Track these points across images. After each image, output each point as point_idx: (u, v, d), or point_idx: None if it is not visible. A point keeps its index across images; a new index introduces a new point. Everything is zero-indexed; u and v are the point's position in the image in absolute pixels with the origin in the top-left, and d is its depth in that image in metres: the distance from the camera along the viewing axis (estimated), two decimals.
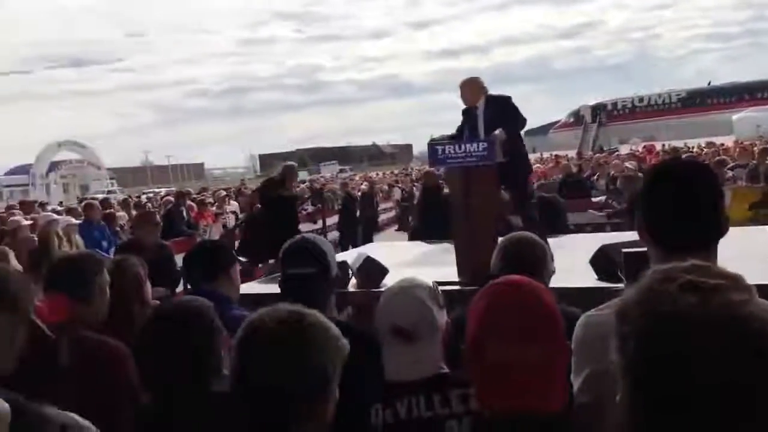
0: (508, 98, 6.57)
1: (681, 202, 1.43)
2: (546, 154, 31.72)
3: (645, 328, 0.87)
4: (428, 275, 6.42)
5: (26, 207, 11.95)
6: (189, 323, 1.80)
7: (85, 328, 2.22)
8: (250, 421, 1.37)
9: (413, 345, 1.82)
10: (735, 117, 42.24)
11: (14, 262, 5.85)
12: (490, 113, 6.46)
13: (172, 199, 12.03)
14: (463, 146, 5.82)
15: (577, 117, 51.44)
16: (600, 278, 5.35)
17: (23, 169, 50.84)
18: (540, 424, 1.36)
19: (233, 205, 14.03)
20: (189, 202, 11.80)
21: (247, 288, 5.42)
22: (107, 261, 2.77)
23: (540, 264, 2.45)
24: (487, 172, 5.84)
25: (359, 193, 16.70)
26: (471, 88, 6.56)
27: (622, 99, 52.96)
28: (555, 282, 2.64)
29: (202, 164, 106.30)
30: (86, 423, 1.71)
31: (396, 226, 18.17)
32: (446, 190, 8.39)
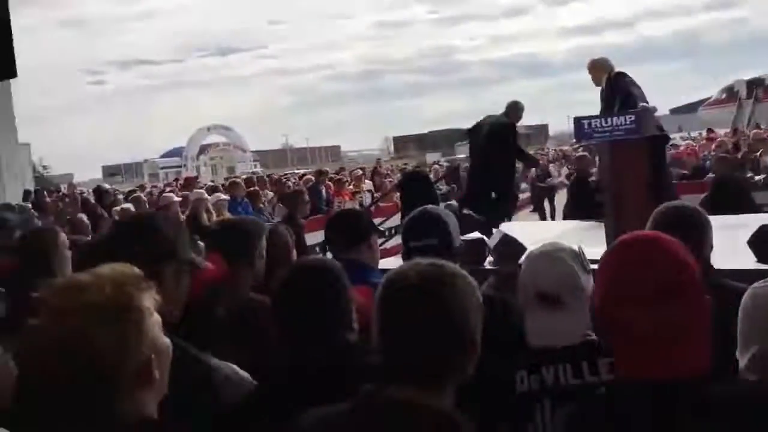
0: (621, 75, 6.53)
1: None
2: (694, 133, 29.79)
3: None
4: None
5: (188, 183, 12.96)
6: (322, 277, 1.85)
7: (244, 287, 2.34)
8: (386, 373, 1.37)
9: (559, 311, 1.77)
10: None
11: None
12: (610, 92, 6.43)
13: (312, 178, 12.45)
14: (609, 120, 5.59)
15: (730, 93, 47.73)
16: (760, 260, 4.97)
17: (177, 152, 54.67)
18: (684, 391, 1.24)
19: (368, 184, 14.30)
20: (327, 182, 12.16)
21: (384, 264, 5.51)
22: None
23: (699, 231, 2.27)
24: (636, 146, 5.57)
25: None
26: (590, 69, 6.66)
27: None
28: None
29: (338, 147, 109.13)
30: (245, 374, 1.81)
31: (531, 208, 17.71)
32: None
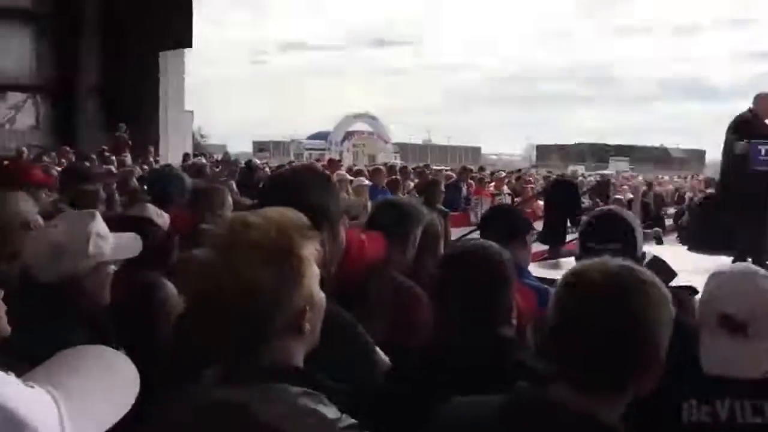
0: None
1: None
2: None
3: None
4: None
5: (332, 165, 13.33)
6: (483, 265, 1.76)
7: (396, 270, 2.31)
8: (552, 375, 1.27)
9: (745, 338, 1.59)
10: None
11: None
12: None
13: (453, 174, 12.41)
14: None
15: None
16: None
17: (323, 135, 56.46)
18: None
19: (507, 188, 14.05)
20: (468, 180, 12.07)
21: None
22: None
23: None
24: None
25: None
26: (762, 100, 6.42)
27: None
28: None
29: (479, 148, 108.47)
30: (386, 359, 1.78)
31: (675, 234, 16.62)
32: None
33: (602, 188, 14.18)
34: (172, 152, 15.63)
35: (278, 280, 1.15)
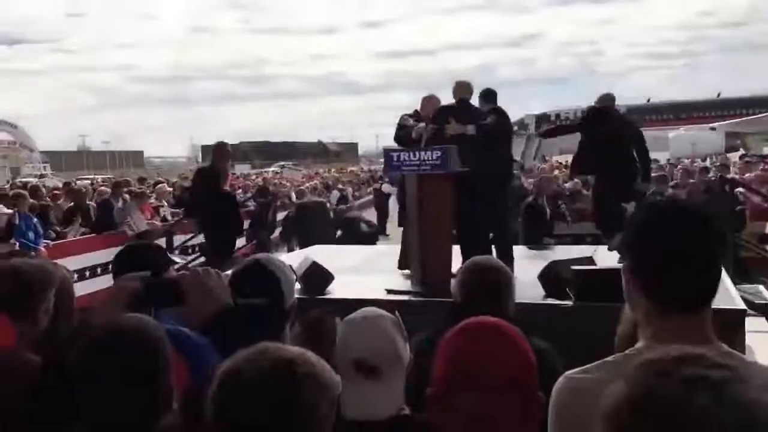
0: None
1: (688, 255, 1.25)
2: None
3: None
4: (379, 283, 6.23)
5: None
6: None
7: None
8: None
9: (376, 381, 1.68)
10: (671, 134, 43.58)
11: None
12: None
13: (108, 189, 11.49)
14: (417, 154, 5.74)
15: (521, 126, 52.09)
16: (548, 294, 5.33)
17: None
18: None
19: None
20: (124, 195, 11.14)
21: None
22: None
23: (504, 293, 2.32)
24: (442, 180, 5.77)
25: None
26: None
27: (564, 110, 53.94)
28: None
29: (141, 152, 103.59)
30: None
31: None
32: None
33: (264, 191, 14.53)
34: None
35: None
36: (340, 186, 18.41)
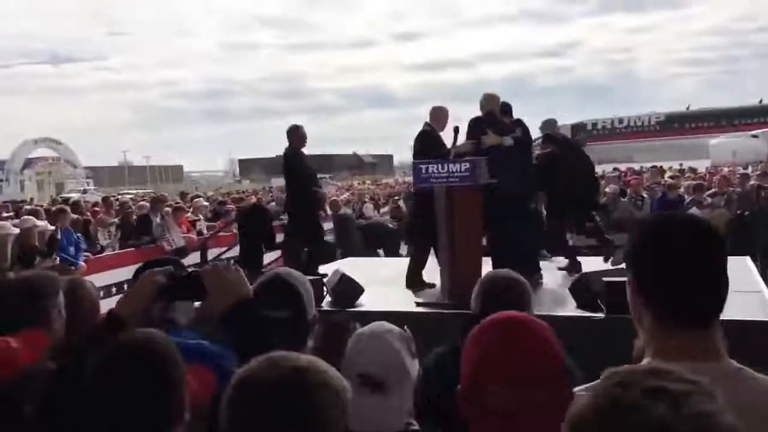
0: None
1: (691, 271, 1.22)
2: None
3: None
4: (410, 295, 6.23)
5: None
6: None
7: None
8: None
9: (382, 396, 1.70)
10: (712, 142, 42.73)
11: None
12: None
13: (147, 204, 11.76)
14: (446, 166, 5.77)
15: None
16: (579, 306, 5.29)
17: None
18: None
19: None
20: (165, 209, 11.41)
21: None
22: None
23: (522, 304, 2.33)
24: (470, 193, 5.79)
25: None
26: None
27: (602, 120, 53.36)
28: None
29: (181, 166, 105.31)
30: None
31: None
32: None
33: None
34: None
35: None
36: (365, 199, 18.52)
